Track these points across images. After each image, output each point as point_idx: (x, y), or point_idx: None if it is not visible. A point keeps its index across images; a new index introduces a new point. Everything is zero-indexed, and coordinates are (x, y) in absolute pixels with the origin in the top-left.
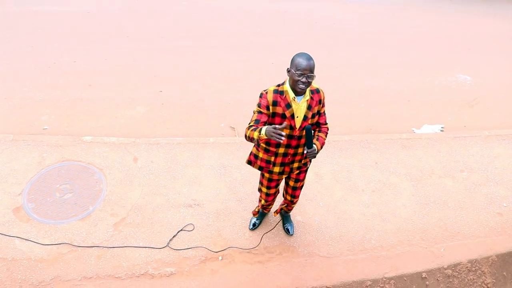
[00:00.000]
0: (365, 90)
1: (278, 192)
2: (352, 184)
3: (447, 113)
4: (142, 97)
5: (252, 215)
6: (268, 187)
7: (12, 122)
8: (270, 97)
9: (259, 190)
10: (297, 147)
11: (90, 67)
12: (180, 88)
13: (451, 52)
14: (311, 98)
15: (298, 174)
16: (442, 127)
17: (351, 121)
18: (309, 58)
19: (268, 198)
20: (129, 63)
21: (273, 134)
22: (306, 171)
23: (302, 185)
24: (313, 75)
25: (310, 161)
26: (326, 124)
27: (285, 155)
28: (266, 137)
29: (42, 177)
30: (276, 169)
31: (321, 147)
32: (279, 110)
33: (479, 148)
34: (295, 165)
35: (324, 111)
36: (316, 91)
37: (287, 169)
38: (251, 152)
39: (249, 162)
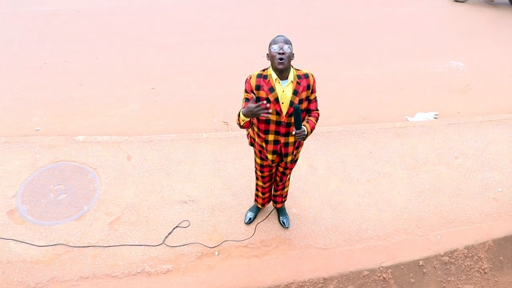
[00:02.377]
0: (358, 79)
1: (273, 180)
2: (347, 175)
3: (440, 100)
4: (134, 94)
5: (247, 210)
6: (261, 171)
7: (4, 124)
8: (253, 81)
9: (255, 172)
10: (287, 135)
11: (81, 67)
12: (172, 84)
13: (443, 39)
14: (298, 83)
15: (290, 163)
16: (436, 115)
17: (344, 111)
18: (283, 35)
19: (264, 180)
20: (120, 61)
21: (255, 110)
22: (295, 161)
23: (292, 168)
24: (289, 46)
25: (300, 144)
26: (317, 110)
27: (276, 142)
28: (247, 118)
29: (36, 179)
30: (269, 156)
31: (311, 131)
32: (262, 94)
33: (473, 134)
34: (289, 158)
35: (314, 98)
36: (305, 76)
37: (277, 159)
38: (249, 135)
39: (251, 144)
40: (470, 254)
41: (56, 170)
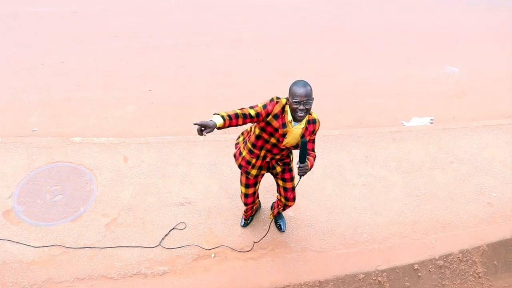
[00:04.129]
0: (354, 83)
1: (258, 197)
2: (343, 178)
3: (436, 105)
4: (131, 96)
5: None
6: (246, 186)
7: (0, 125)
8: (276, 108)
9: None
10: (275, 154)
11: (78, 68)
12: (169, 87)
13: (438, 44)
14: (306, 128)
15: (283, 173)
16: (431, 119)
17: (340, 115)
18: (305, 84)
19: (247, 200)
20: (117, 62)
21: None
22: (290, 170)
23: (294, 187)
24: (310, 101)
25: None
26: (313, 151)
27: (264, 157)
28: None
29: (32, 179)
30: (254, 171)
31: (310, 168)
32: (275, 124)
33: (468, 139)
34: (278, 169)
35: (313, 139)
36: (313, 122)
37: (263, 171)
38: (238, 147)
39: (234, 155)
40: (464, 258)
41: (53, 171)
